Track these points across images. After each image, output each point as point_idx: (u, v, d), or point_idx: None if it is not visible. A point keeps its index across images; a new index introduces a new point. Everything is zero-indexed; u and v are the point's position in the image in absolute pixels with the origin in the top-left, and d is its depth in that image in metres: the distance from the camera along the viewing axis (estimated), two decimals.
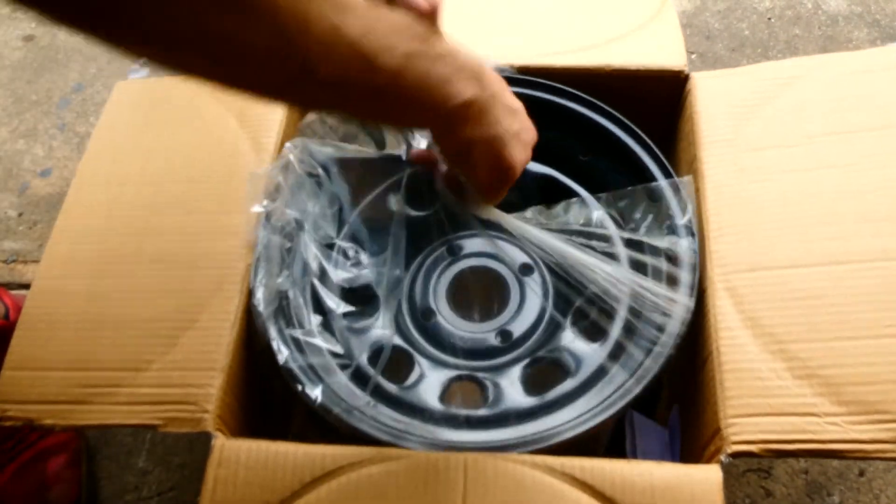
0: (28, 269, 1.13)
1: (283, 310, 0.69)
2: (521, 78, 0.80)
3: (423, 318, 0.75)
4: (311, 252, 0.73)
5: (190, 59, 0.40)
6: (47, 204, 1.21)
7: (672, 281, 0.68)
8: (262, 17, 0.38)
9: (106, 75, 1.36)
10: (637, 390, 0.63)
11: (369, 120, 0.54)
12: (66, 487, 0.87)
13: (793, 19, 1.32)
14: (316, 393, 0.63)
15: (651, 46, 0.81)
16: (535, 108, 0.79)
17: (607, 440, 0.72)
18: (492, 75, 0.55)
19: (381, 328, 0.72)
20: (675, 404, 0.77)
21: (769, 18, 1.32)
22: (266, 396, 0.73)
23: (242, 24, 0.38)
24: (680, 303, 0.66)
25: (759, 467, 0.89)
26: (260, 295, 0.68)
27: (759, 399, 0.60)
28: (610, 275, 0.67)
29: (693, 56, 1.30)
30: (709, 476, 0.56)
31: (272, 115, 0.79)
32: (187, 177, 0.76)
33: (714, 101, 0.77)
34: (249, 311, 0.69)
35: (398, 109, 0.49)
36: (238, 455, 0.59)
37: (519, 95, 0.78)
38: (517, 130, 0.57)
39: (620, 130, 0.77)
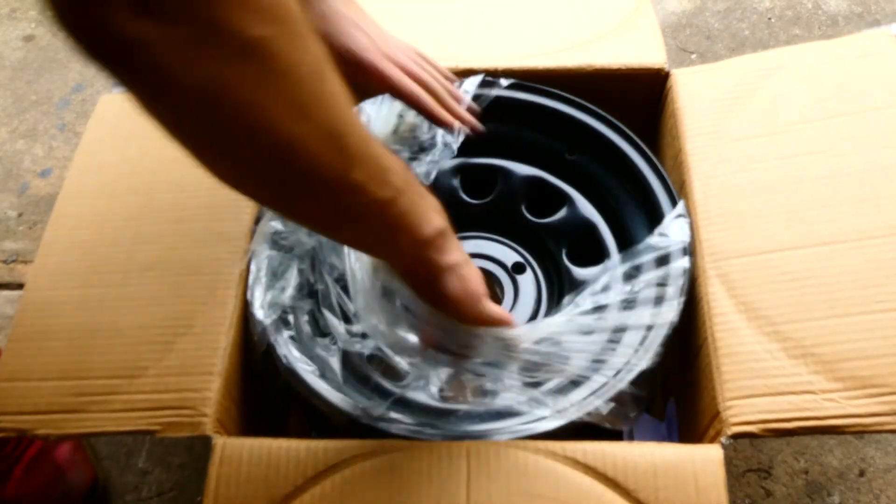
0: (28, 270, 1.12)
1: (284, 318, 0.69)
2: (504, 81, 0.81)
3: None
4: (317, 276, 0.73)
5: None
6: (47, 204, 1.20)
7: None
8: (318, 129, 0.40)
9: (106, 75, 1.36)
10: (631, 377, 0.63)
11: (356, 245, 0.56)
12: (80, 469, 0.86)
13: (793, 19, 1.33)
14: (323, 391, 0.62)
15: (631, 45, 0.83)
16: (519, 110, 0.81)
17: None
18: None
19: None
20: (671, 397, 0.77)
21: (769, 18, 1.34)
22: (263, 400, 0.72)
23: (303, 131, 0.39)
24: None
25: (759, 467, 0.89)
26: (260, 303, 0.68)
27: (756, 380, 0.61)
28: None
29: (693, 56, 1.31)
30: (710, 454, 0.57)
31: None
32: (176, 186, 0.76)
33: (696, 96, 0.78)
34: (246, 316, 0.69)
35: (384, 233, 0.51)
36: (240, 453, 0.58)
37: (504, 98, 0.80)
38: (467, 261, 0.57)
39: (606, 127, 0.78)
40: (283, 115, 0.38)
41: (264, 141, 0.39)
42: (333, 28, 0.66)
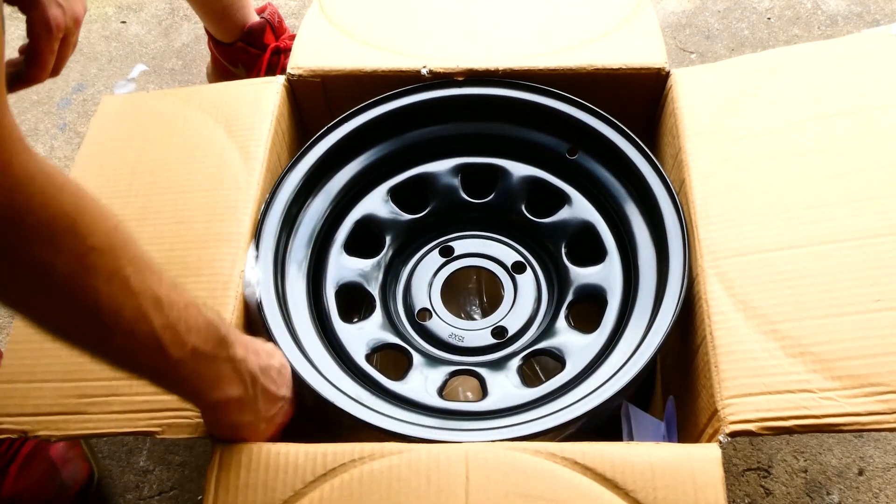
0: None
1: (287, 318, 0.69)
2: (505, 80, 0.81)
3: (419, 317, 0.76)
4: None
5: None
6: None
7: None
8: (81, 298, 0.46)
9: (107, 75, 1.36)
10: (630, 376, 0.63)
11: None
12: (75, 464, 0.86)
13: (792, 19, 1.33)
14: (320, 388, 0.63)
15: (631, 45, 0.83)
16: (520, 109, 0.81)
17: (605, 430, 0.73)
18: (271, 372, 0.62)
19: (377, 328, 0.72)
20: (670, 396, 0.77)
21: (769, 18, 1.33)
22: None
23: (66, 304, 0.46)
24: None
25: (759, 466, 0.89)
26: (264, 301, 0.69)
27: (755, 379, 0.61)
28: None
29: (693, 56, 1.30)
30: (707, 454, 0.57)
31: (260, 125, 0.79)
32: (176, 187, 0.76)
33: (696, 96, 0.78)
34: (246, 317, 0.69)
35: (172, 386, 0.56)
36: (239, 457, 0.59)
37: (504, 98, 0.80)
38: (272, 415, 0.62)
39: (606, 127, 0.78)
40: None
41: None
42: None
